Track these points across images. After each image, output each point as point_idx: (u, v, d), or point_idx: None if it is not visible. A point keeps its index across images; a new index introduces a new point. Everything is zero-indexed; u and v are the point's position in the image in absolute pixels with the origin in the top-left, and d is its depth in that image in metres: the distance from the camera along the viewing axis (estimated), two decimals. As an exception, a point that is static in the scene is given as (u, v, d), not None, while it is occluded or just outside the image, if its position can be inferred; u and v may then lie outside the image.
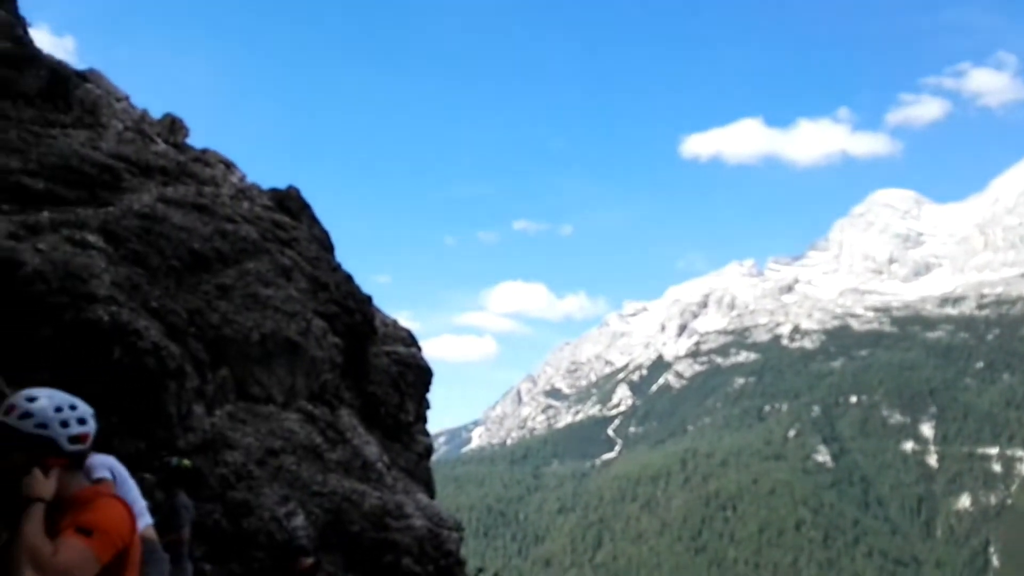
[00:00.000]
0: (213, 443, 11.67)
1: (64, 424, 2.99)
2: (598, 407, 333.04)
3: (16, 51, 14.23)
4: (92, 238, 12.61)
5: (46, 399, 2.98)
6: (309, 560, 7.65)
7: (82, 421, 3.04)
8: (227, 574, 10.58)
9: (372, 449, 14.81)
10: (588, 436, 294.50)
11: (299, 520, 11.72)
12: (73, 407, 3.03)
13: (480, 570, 17.25)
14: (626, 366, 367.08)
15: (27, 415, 2.95)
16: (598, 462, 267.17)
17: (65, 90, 15.34)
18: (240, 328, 13.51)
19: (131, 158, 15.22)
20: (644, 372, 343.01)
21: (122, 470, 6.88)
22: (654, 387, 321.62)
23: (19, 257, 11.08)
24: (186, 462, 9.32)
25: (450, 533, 14.71)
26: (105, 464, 6.81)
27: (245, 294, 14.13)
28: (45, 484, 2.86)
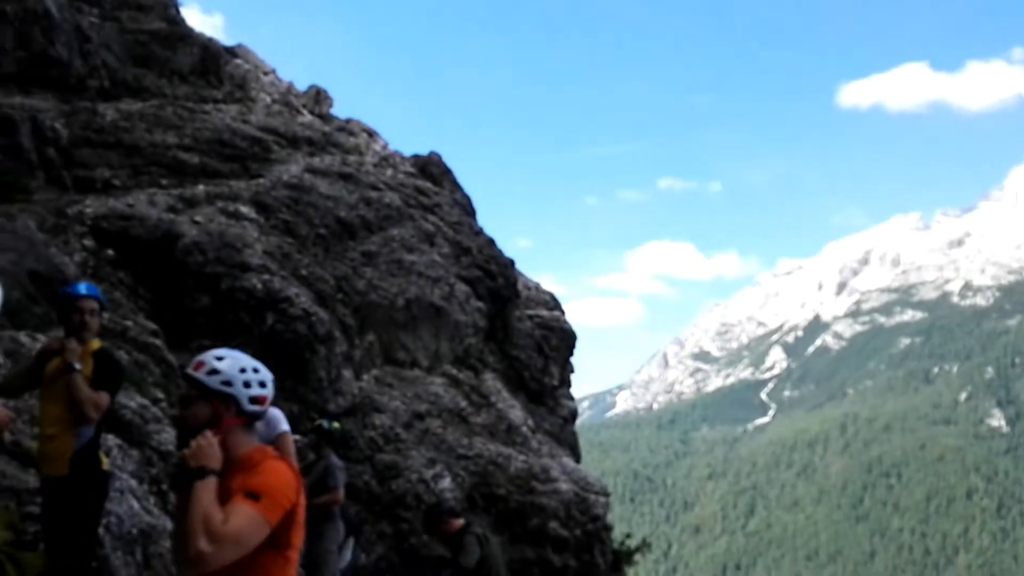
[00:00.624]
0: (362, 406, 11.92)
1: (247, 385, 3.05)
2: (750, 370, 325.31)
3: (170, 30, 14.83)
4: (245, 209, 13.06)
5: (232, 359, 3.06)
6: (459, 521, 7.59)
7: (263, 384, 3.10)
8: (377, 534, 10.81)
9: (517, 413, 14.80)
10: (739, 400, 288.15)
11: (446, 482, 11.83)
12: (256, 370, 3.10)
13: (627, 536, 17.04)
14: (780, 327, 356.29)
15: (214, 372, 3.03)
16: (750, 427, 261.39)
17: (216, 66, 15.90)
18: (385, 294, 13.72)
19: (279, 130, 15.66)
20: (800, 333, 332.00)
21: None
22: (811, 348, 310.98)
23: (178, 229, 11.58)
24: (336, 425, 9.51)
25: (597, 497, 14.55)
26: (282, 417, 6.98)
27: (390, 260, 14.34)
28: (215, 453, 2.90)
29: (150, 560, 6.85)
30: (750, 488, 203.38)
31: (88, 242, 10.95)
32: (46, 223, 10.63)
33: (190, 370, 3.06)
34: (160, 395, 9.15)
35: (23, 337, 8.20)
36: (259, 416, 3.14)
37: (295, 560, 3.02)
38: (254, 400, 3.08)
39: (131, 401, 8.28)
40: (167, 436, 8.36)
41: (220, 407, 3.01)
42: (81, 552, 5.47)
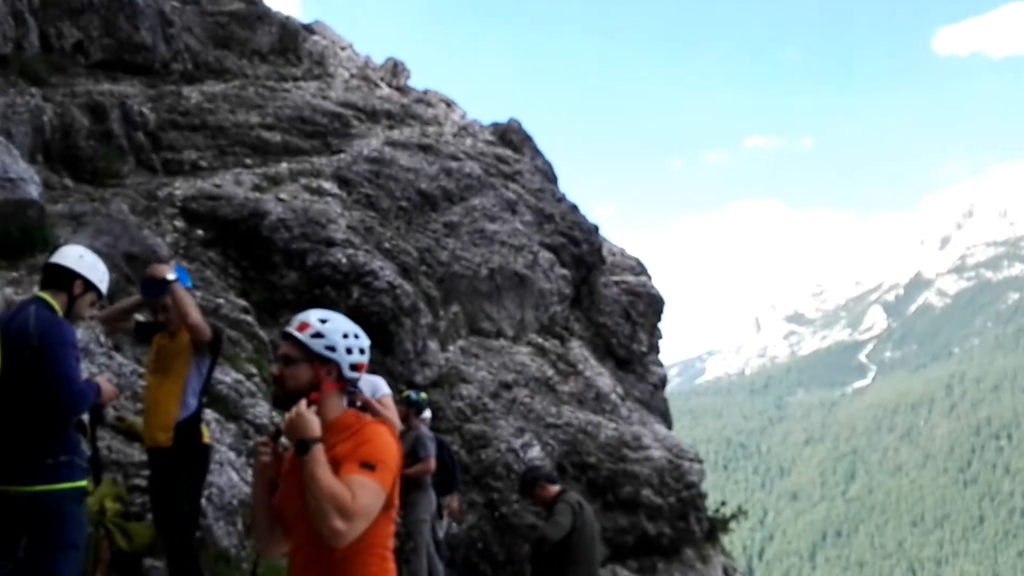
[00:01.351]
0: (448, 377, 11.96)
1: (349, 351, 2.98)
2: (847, 331, 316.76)
3: (248, 10, 15.01)
4: (327, 185, 13.20)
5: (335, 323, 2.99)
6: (555, 488, 7.49)
7: (362, 351, 3.04)
8: (468, 504, 10.85)
9: (605, 380, 14.65)
10: (836, 362, 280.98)
11: (535, 451, 11.79)
12: (357, 335, 3.03)
13: (722, 503, 16.75)
14: (879, 286, 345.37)
15: (318, 335, 2.96)
16: (848, 390, 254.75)
17: (294, 44, 16.06)
18: (469, 264, 13.71)
19: (358, 104, 15.75)
20: (900, 291, 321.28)
21: None
22: (912, 307, 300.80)
23: (263, 208, 11.76)
24: (423, 395, 9.56)
25: (691, 464, 14.33)
26: (383, 382, 7.02)
27: (472, 230, 14.31)
28: (315, 421, 2.85)
29: (250, 530, 7.00)
30: (850, 453, 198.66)
31: (179, 223, 11.23)
32: (138, 206, 10.92)
33: (294, 330, 2.99)
34: (253, 370, 9.32)
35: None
36: (355, 382, 3.08)
37: (395, 519, 3.01)
38: (354, 367, 3.01)
39: (226, 376, 8.46)
40: (261, 410, 8.53)
41: (320, 371, 2.95)
42: (186, 522, 5.60)
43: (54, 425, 4.34)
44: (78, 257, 4.60)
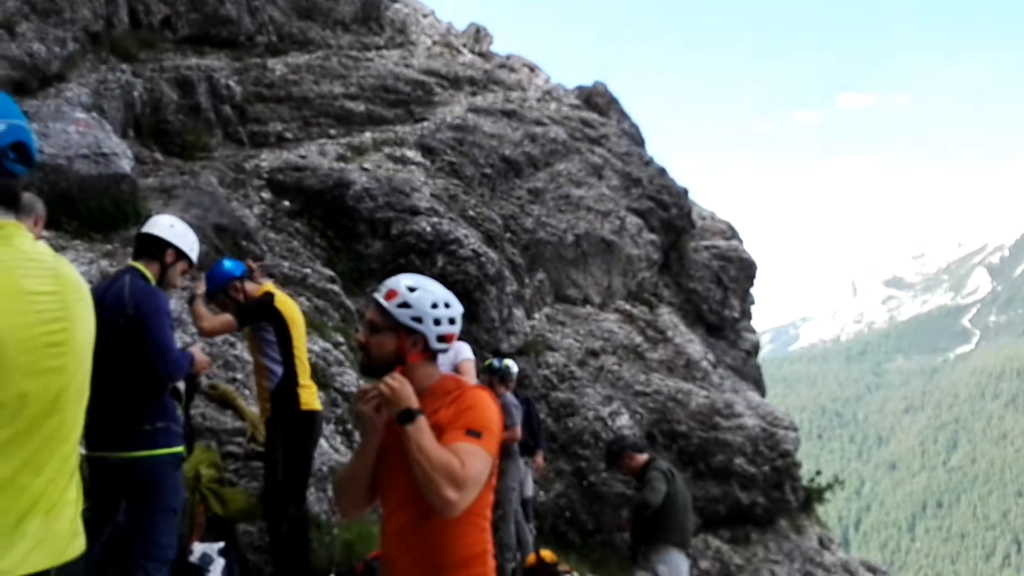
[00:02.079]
0: (534, 345, 11.83)
1: (437, 322, 2.88)
2: (950, 295, 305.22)
3: (330, -19, 14.99)
4: (411, 153, 13.15)
5: (425, 292, 2.88)
6: (643, 456, 7.31)
7: (452, 321, 2.92)
8: (555, 472, 10.75)
9: (696, 347, 14.32)
10: (938, 328, 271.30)
11: (624, 419, 11.60)
12: (447, 304, 2.91)
13: (817, 472, 16.29)
14: (983, 247, 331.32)
15: (405, 305, 2.86)
16: (951, 356, 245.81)
17: (376, 12, 16.01)
18: (554, 230, 13.51)
19: (441, 72, 15.63)
20: (1005, 253, 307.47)
21: None
22: (1018, 269, 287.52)
23: (348, 177, 11.78)
24: (507, 362, 9.48)
25: (786, 432, 13.94)
26: (466, 346, 6.99)
27: (557, 196, 14.09)
28: (410, 391, 2.76)
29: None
30: (952, 421, 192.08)
31: (266, 194, 11.33)
32: (226, 178, 11.05)
33: (381, 298, 2.89)
34: (340, 339, 9.36)
35: (212, 287, 8.53)
36: (443, 352, 2.98)
37: (494, 487, 2.92)
38: (442, 338, 2.90)
39: (314, 345, 8.49)
40: (349, 378, 8.55)
41: (406, 342, 2.86)
42: (280, 490, 5.64)
43: (151, 392, 4.41)
44: (169, 226, 4.67)
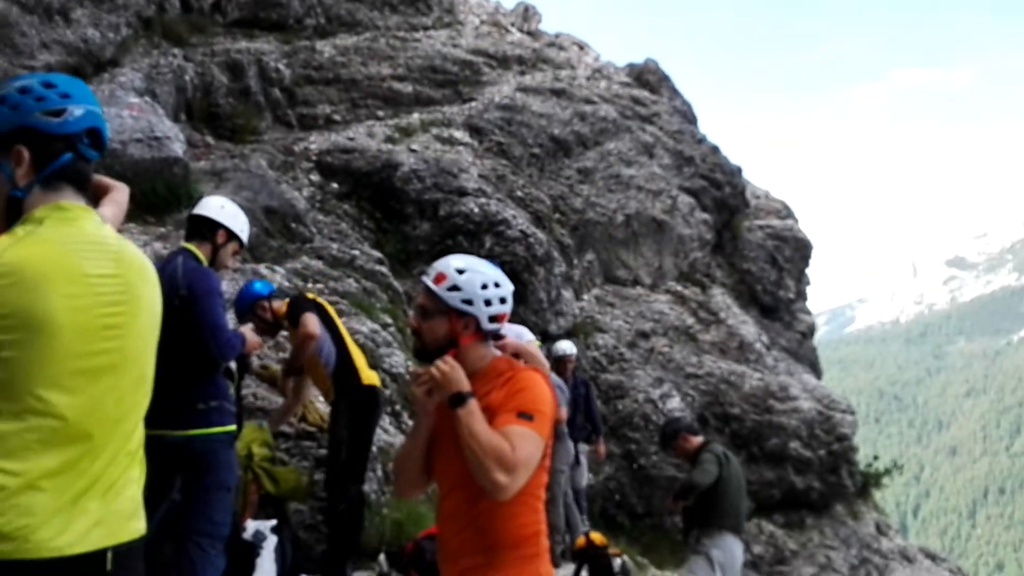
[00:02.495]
0: (583, 327, 11.73)
1: (487, 303, 2.85)
2: (1014, 275, 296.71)
3: (377, -39, 14.95)
4: (459, 134, 13.09)
5: (474, 274, 2.85)
6: (697, 439, 7.17)
7: (503, 300, 2.89)
8: (605, 455, 10.64)
9: (749, 329, 14.08)
10: (1001, 309, 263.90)
11: (675, 402, 11.45)
12: (497, 284, 2.88)
13: (875, 458, 15.95)
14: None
15: (455, 288, 2.84)
16: (1015, 338, 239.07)
17: (425, -7, 15.93)
18: (604, 210, 13.36)
19: (489, 51, 15.53)
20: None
21: None
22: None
23: (396, 159, 11.76)
24: (562, 344, 9.44)
25: (843, 416, 13.66)
26: (526, 330, 6.91)
27: (607, 175, 13.92)
28: (461, 374, 2.75)
29: (389, 476, 7.04)
30: (1015, 405, 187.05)
31: (314, 177, 11.37)
32: (275, 161, 11.11)
33: (430, 282, 2.86)
34: (388, 320, 9.36)
35: (263, 269, 8.61)
36: (495, 333, 2.96)
37: (547, 468, 2.90)
38: (493, 319, 2.88)
39: (362, 326, 8.51)
40: (397, 359, 8.54)
41: (457, 325, 2.83)
42: (341, 469, 5.69)
43: (204, 372, 4.47)
44: (219, 207, 4.71)
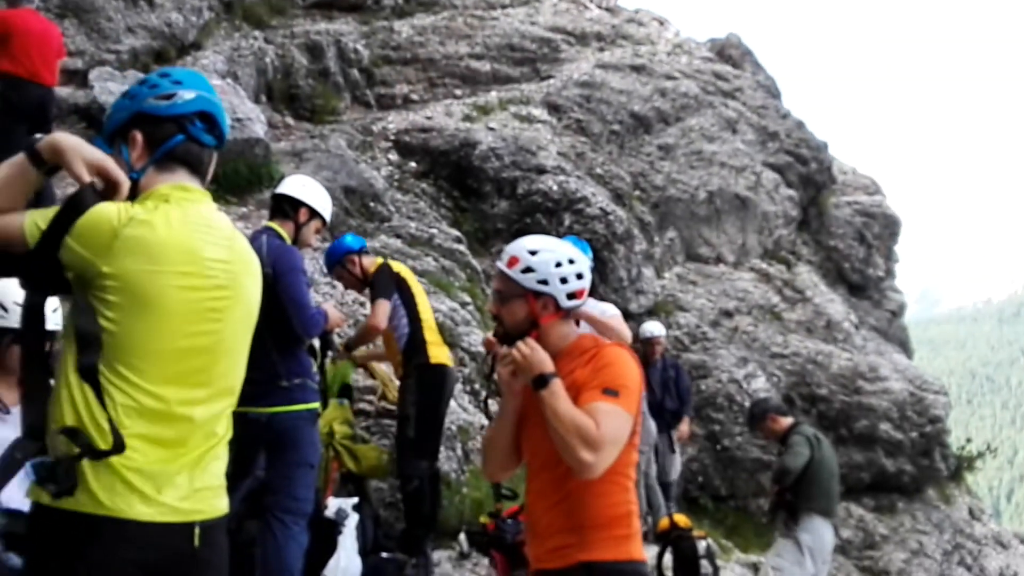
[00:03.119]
0: (664, 305, 11.55)
1: (563, 280, 2.82)
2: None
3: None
4: (537, 112, 12.99)
5: (547, 253, 2.84)
6: (786, 420, 6.98)
7: (580, 276, 2.86)
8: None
9: (837, 307, 13.67)
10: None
11: (760, 382, 11.20)
12: (572, 261, 2.86)
13: (968, 440, 15.37)
14: None
15: (529, 270, 2.82)
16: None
17: (502, -30, 15.82)
18: (685, 187, 13.11)
19: (567, 28, 15.38)
20: None
21: None
22: None
23: (474, 137, 11.73)
24: (649, 326, 9.28)
25: (936, 397, 13.18)
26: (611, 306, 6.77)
27: (689, 152, 13.66)
28: (543, 356, 2.72)
29: (468, 455, 7.03)
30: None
31: (392, 156, 11.42)
32: (354, 141, 11.19)
33: (504, 266, 2.85)
34: (467, 298, 9.34)
35: (342, 249, 8.63)
36: (577, 309, 2.92)
37: (637, 445, 2.85)
38: (572, 295, 2.84)
39: (441, 304, 8.50)
40: (476, 337, 8.52)
41: (536, 306, 2.81)
42: (409, 447, 5.65)
43: (288, 349, 4.47)
44: (302, 186, 4.75)
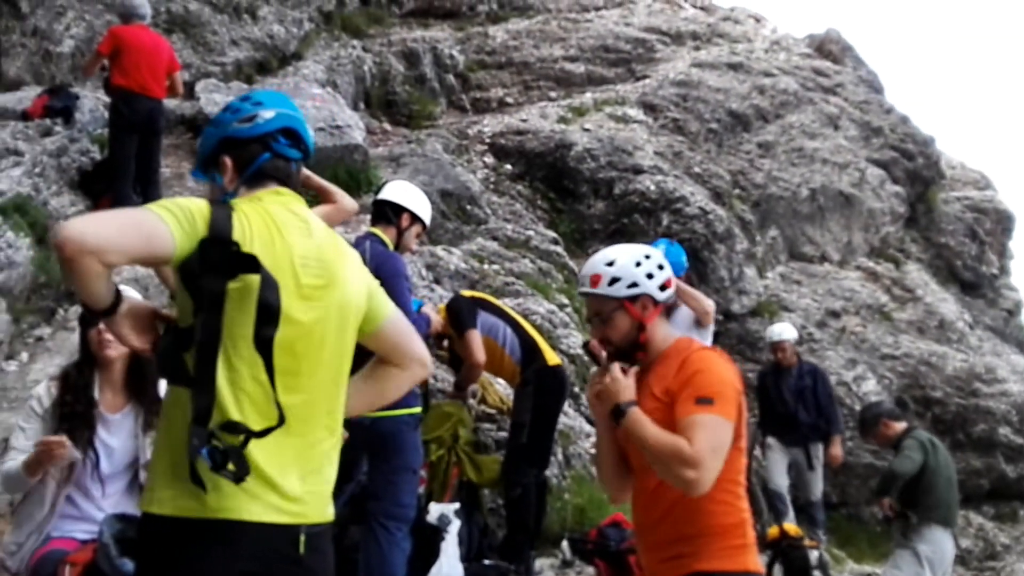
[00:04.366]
0: (768, 306, 11.25)
1: (650, 276, 2.80)
2: None
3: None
4: (632, 112, 12.87)
5: (623, 256, 2.82)
6: (900, 425, 6.66)
7: (661, 267, 2.84)
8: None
9: (949, 306, 13.11)
10: None
11: (870, 384, 10.80)
12: (647, 256, 2.85)
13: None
14: None
15: (615, 280, 2.79)
16: None
17: (595, -28, 15.78)
18: (787, 185, 12.77)
19: (662, 28, 15.24)
20: None
21: None
22: None
23: (569, 139, 11.69)
24: (776, 328, 8.81)
25: (1060, 400, 12.48)
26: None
27: (789, 149, 13.31)
28: (625, 384, 2.68)
29: (569, 460, 6.95)
30: None
31: (488, 159, 11.47)
32: (451, 145, 11.26)
33: (588, 288, 2.82)
34: (564, 300, 9.28)
35: (440, 251, 8.71)
36: (672, 299, 2.92)
37: (744, 449, 2.75)
38: (663, 287, 2.80)
39: (539, 307, 8.47)
40: (574, 340, 8.44)
41: (635, 310, 2.76)
42: (520, 453, 5.60)
43: None
44: (403, 191, 4.78)
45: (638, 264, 2.78)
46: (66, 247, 1.78)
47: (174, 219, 1.95)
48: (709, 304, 6.32)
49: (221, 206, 2.06)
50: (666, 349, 2.77)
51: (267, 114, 2.23)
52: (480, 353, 5.54)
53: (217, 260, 1.97)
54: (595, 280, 2.79)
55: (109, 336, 3.23)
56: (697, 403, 2.56)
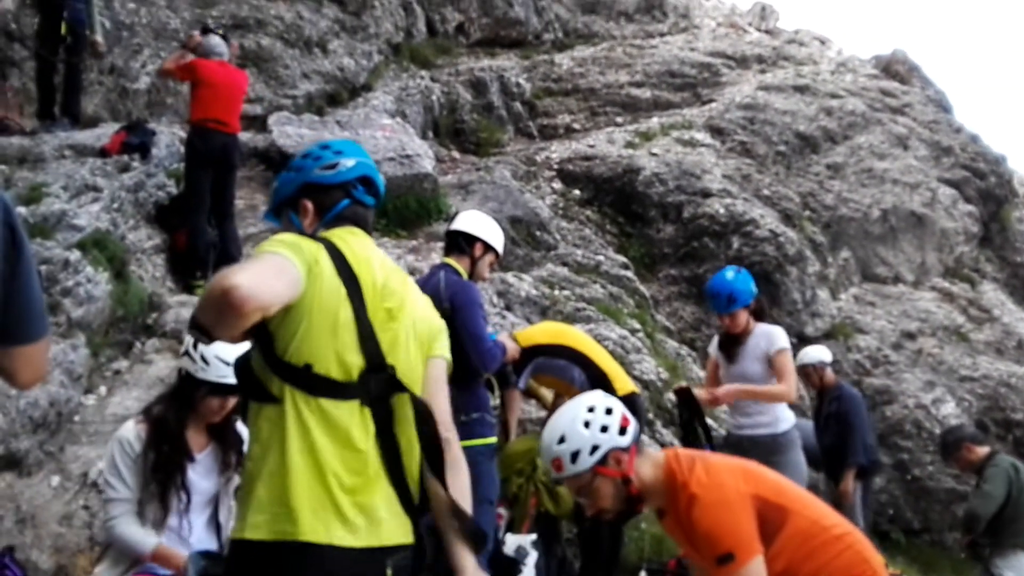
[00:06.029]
0: (842, 328, 11.07)
1: (604, 429, 2.87)
2: None
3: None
4: (700, 136, 12.85)
5: (570, 427, 2.87)
6: (983, 449, 6.51)
7: (609, 411, 2.92)
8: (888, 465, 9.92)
9: (1029, 327, 12.72)
10: None
11: (949, 407, 10.53)
12: (590, 409, 2.92)
13: None
14: None
15: (575, 454, 2.86)
16: None
17: (659, 0, 15.84)
18: (857, 206, 12.61)
19: (727, 52, 15.23)
20: None
21: None
22: None
23: (637, 163, 11.71)
24: (812, 351, 8.73)
25: None
26: (782, 334, 6.04)
27: (859, 170, 13.16)
28: None
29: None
30: None
31: (556, 185, 11.53)
32: (519, 171, 11.36)
33: (555, 475, 2.90)
34: (636, 325, 9.25)
35: (510, 278, 8.75)
36: (638, 437, 2.95)
37: (794, 511, 2.89)
38: (623, 431, 2.86)
39: (611, 333, 8.45)
40: (648, 365, 8.41)
41: (611, 471, 2.81)
42: None
43: (467, 383, 4.40)
44: (476, 221, 4.79)
45: (587, 425, 2.79)
46: (239, 300, 1.85)
47: (303, 263, 2.10)
48: (793, 394, 5.58)
49: (326, 243, 2.20)
50: (663, 485, 2.78)
51: (348, 163, 2.35)
52: (514, 406, 5.56)
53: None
54: (558, 465, 2.82)
55: (230, 404, 3.38)
56: (719, 564, 2.61)
